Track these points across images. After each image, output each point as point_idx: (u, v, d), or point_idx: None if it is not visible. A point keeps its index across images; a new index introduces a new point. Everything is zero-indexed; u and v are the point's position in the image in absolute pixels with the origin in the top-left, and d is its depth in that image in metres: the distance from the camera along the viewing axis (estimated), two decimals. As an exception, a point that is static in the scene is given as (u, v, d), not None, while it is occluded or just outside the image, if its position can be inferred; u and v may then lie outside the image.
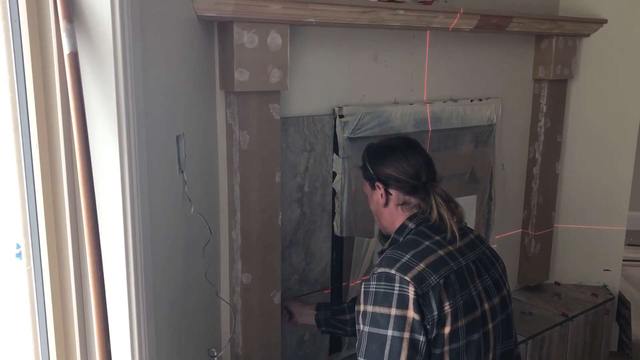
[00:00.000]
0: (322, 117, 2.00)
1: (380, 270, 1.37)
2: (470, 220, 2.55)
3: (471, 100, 2.46)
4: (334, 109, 2.02)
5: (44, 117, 1.18)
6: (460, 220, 1.51)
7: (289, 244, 1.99)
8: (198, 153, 1.65)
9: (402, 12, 1.94)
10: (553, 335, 2.60)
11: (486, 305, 1.42)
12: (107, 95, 1.14)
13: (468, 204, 2.47)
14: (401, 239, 1.49)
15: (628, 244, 3.81)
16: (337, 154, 2.05)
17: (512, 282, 2.89)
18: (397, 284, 1.32)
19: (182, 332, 1.63)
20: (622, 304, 3.01)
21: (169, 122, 1.46)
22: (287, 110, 1.89)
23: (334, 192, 2.08)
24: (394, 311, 1.30)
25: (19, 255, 1.22)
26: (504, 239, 2.82)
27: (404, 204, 1.51)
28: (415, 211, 1.50)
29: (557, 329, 2.62)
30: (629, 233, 3.29)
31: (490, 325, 1.42)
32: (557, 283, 3.05)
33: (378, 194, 1.53)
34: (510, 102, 2.67)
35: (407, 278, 1.32)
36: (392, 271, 1.34)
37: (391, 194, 1.51)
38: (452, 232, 1.44)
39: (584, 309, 2.78)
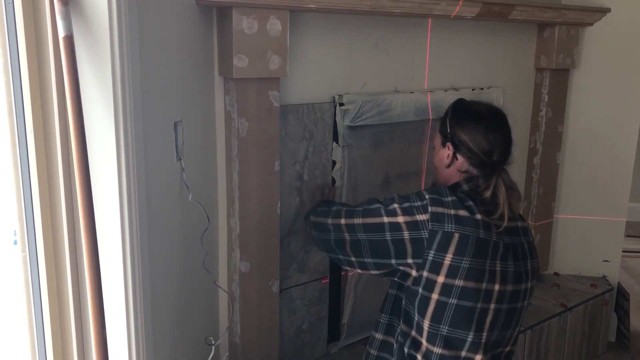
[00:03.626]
0: (322, 105, 1.98)
1: (424, 191, 1.49)
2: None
3: (472, 89, 2.44)
4: (334, 97, 2.00)
5: (39, 103, 1.17)
6: (515, 210, 1.49)
7: (288, 233, 1.98)
8: (196, 140, 1.63)
9: (403, -2, 1.92)
10: (552, 326, 2.60)
11: (496, 287, 1.42)
12: (103, 79, 1.13)
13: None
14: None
15: (628, 235, 3.82)
16: (337, 142, 2.03)
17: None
18: (420, 203, 1.45)
19: (180, 321, 1.63)
20: (621, 295, 3.01)
21: (166, 108, 1.45)
22: (287, 97, 1.88)
23: (333, 181, 2.06)
24: (398, 209, 1.47)
25: (16, 242, 1.22)
26: (503, 229, 2.80)
27: (466, 172, 1.51)
28: (475, 182, 1.49)
29: (555, 319, 2.62)
30: (628, 224, 3.29)
31: (492, 306, 1.43)
32: (556, 274, 3.05)
33: (445, 153, 1.54)
34: (512, 91, 2.65)
35: (429, 209, 1.43)
36: (427, 195, 1.46)
37: (457, 160, 1.52)
38: (502, 215, 1.44)
39: (582, 299, 2.78)
